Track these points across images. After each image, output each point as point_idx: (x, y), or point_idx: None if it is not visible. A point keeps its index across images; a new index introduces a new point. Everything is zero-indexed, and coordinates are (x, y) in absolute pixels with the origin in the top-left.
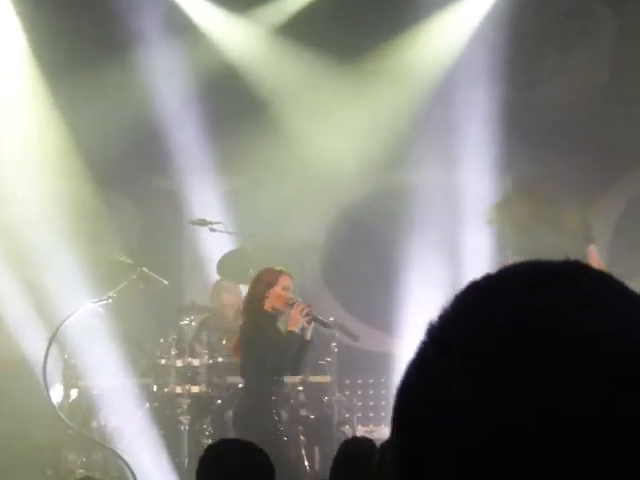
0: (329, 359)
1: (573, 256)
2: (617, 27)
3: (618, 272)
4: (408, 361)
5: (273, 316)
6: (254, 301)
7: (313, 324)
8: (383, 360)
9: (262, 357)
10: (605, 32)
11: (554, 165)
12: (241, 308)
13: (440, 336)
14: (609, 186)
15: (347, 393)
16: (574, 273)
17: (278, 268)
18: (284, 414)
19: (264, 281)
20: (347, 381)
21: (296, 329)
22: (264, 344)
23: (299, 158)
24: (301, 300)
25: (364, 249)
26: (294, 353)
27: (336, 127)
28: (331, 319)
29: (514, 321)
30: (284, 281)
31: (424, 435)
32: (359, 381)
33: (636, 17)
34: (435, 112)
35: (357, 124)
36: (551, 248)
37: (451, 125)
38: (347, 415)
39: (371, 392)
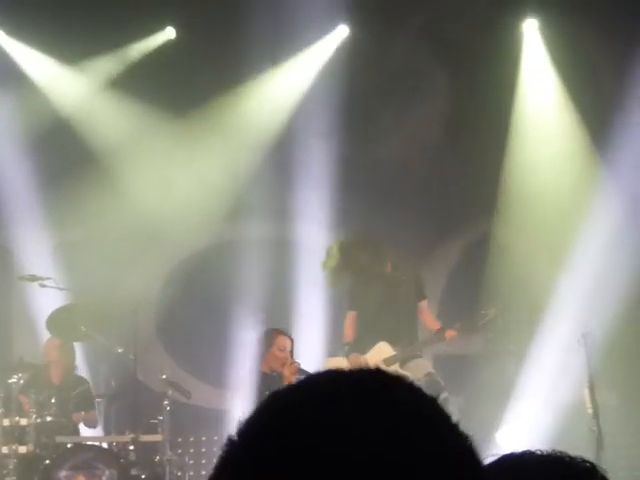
0: (161, 417)
1: (405, 309)
2: (449, 83)
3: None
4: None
5: (269, 377)
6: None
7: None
8: (216, 416)
9: None
10: (438, 88)
11: (392, 218)
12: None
13: (244, 443)
14: (445, 236)
15: (179, 451)
16: (368, 389)
17: (276, 329)
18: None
19: (262, 342)
20: (179, 439)
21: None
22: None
23: (131, 211)
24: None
25: (198, 303)
26: None
27: (170, 181)
28: (163, 377)
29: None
30: (280, 341)
31: None
32: (191, 439)
33: (467, 73)
34: (271, 166)
35: (191, 178)
36: (388, 299)
37: (288, 179)
38: (179, 474)
39: (203, 450)
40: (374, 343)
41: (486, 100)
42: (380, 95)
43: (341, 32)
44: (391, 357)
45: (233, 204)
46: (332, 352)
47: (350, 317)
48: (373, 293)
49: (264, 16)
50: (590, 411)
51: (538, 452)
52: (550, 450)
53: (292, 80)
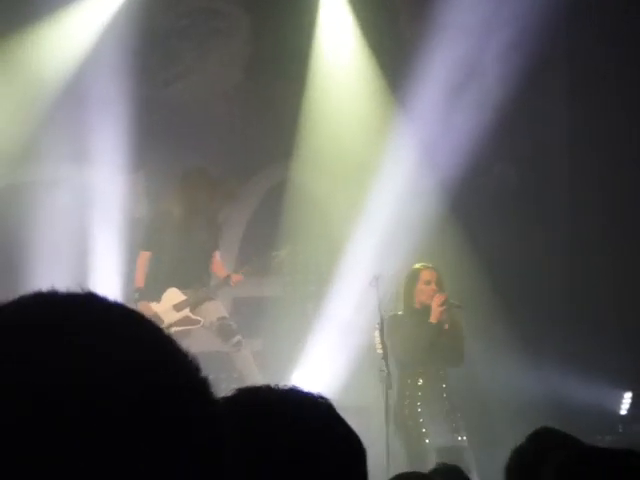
0: None
1: (200, 254)
2: (250, 25)
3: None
4: None
5: (420, 312)
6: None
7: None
8: None
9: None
10: (239, 30)
11: (193, 161)
12: None
13: None
14: (246, 180)
15: None
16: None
17: (418, 265)
18: None
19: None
20: None
21: (435, 320)
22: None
23: None
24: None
25: None
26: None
27: None
28: None
29: None
30: (425, 276)
31: None
32: None
33: (267, 16)
34: (67, 107)
35: None
36: (184, 242)
37: (85, 121)
38: None
39: None
40: (166, 288)
41: (286, 44)
42: (180, 36)
43: None
44: (182, 302)
45: (26, 145)
46: (127, 298)
47: (143, 257)
48: (168, 235)
49: None
50: (380, 352)
51: (275, 387)
52: (290, 385)
53: (89, 19)
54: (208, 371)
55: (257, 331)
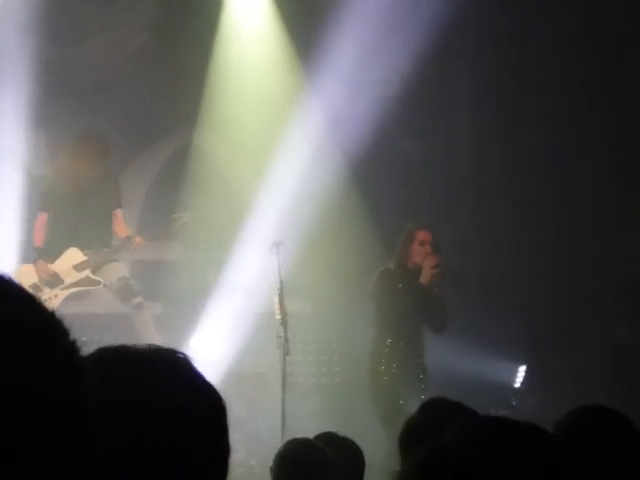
0: None
1: (100, 214)
2: None
3: (149, 234)
4: None
5: (412, 271)
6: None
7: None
8: None
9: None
10: None
11: (96, 124)
12: None
13: None
14: (149, 144)
15: None
16: None
17: (414, 224)
18: None
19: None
20: None
21: (426, 281)
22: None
23: None
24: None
25: None
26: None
27: None
28: None
29: None
30: (420, 236)
31: None
32: None
33: None
34: None
35: None
36: (83, 203)
37: None
38: None
39: None
40: (65, 248)
41: (195, 9)
42: None
43: None
44: (82, 262)
45: None
46: (26, 256)
47: (41, 218)
48: (67, 196)
49: None
50: (278, 317)
51: (133, 345)
52: (149, 344)
53: None
54: (106, 333)
55: (157, 295)
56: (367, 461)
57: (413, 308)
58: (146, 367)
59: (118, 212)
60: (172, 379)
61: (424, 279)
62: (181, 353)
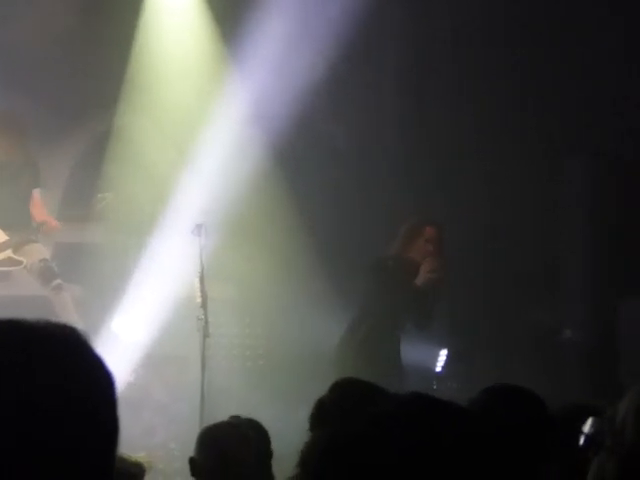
0: None
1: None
2: None
3: (71, 215)
4: None
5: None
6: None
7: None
8: None
9: None
10: None
11: (19, 104)
12: None
13: None
14: (73, 124)
15: None
16: None
17: (424, 220)
18: None
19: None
20: None
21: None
22: None
23: None
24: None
25: None
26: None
27: None
28: None
29: None
30: (428, 233)
31: None
32: None
33: None
34: None
35: None
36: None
37: None
38: None
39: None
40: None
41: None
42: None
43: None
44: (3, 242)
45: None
46: None
47: None
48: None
49: None
50: (199, 300)
51: (24, 320)
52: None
53: None
54: (26, 315)
55: (77, 277)
56: (284, 441)
57: (397, 306)
58: (34, 342)
59: (36, 193)
60: (59, 353)
61: (419, 281)
62: (71, 328)
